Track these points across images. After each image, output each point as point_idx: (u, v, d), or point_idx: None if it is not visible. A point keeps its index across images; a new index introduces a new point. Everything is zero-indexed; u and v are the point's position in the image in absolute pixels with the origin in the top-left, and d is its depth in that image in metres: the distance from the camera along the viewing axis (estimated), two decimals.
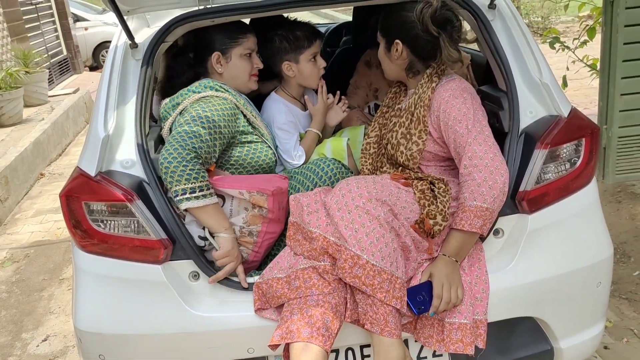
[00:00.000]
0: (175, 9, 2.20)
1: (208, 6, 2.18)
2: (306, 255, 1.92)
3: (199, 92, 2.14)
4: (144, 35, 2.25)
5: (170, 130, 2.14)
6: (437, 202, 1.99)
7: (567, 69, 4.97)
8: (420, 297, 1.88)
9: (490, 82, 2.37)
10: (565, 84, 4.86)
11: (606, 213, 3.98)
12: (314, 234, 1.90)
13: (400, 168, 2.22)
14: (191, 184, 1.89)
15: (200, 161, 1.94)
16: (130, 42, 2.17)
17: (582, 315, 2.12)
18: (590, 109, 6.52)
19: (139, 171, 2.01)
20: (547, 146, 2.00)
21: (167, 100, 2.20)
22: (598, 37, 4.60)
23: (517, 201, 2.03)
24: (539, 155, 2.01)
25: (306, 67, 2.50)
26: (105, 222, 1.94)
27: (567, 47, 4.77)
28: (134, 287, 1.97)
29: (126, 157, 2.03)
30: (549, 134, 2.03)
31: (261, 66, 2.40)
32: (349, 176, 2.20)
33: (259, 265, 2.15)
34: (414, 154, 2.13)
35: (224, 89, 2.20)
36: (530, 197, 2.01)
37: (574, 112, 2.12)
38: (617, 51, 3.46)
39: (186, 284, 1.98)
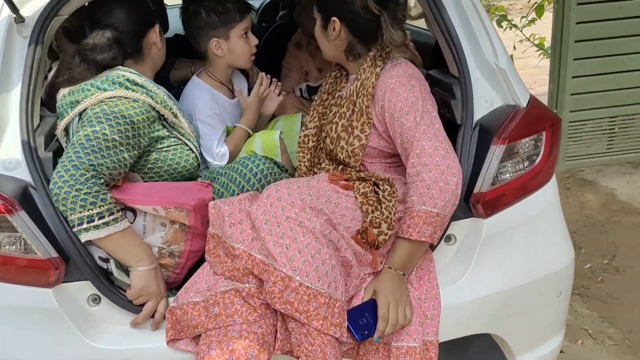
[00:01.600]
0: None
1: None
2: (227, 275, 1.62)
3: (105, 90, 1.77)
4: (34, 7, 1.85)
5: (67, 132, 1.79)
6: (381, 208, 1.72)
7: (514, 48, 4.79)
8: (363, 320, 1.62)
9: (440, 65, 2.10)
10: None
11: None
12: (237, 251, 1.60)
13: (341, 166, 1.94)
14: (88, 211, 1.56)
15: (102, 181, 1.60)
16: (14, 15, 1.78)
17: (541, 328, 1.91)
18: (536, 89, 6.42)
19: (24, 174, 1.66)
20: (504, 141, 1.76)
21: (65, 91, 1.81)
22: (546, 15, 4.46)
23: (471, 204, 1.78)
24: (495, 151, 1.76)
25: (237, 45, 2.18)
26: None
27: (515, 26, 4.60)
28: (21, 316, 1.64)
29: (8, 157, 1.67)
30: (506, 127, 1.78)
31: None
32: (282, 177, 1.90)
33: (180, 283, 1.83)
34: (356, 150, 1.85)
35: (138, 84, 1.84)
36: (486, 199, 1.77)
37: (533, 102, 1.89)
38: (570, 31, 3.28)
39: (84, 310, 1.66)
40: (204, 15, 2.14)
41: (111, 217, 1.59)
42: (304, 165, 2.02)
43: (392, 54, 1.93)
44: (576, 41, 3.30)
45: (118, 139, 1.66)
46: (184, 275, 1.79)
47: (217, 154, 2.10)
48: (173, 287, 1.78)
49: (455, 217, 1.77)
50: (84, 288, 1.65)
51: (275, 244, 1.55)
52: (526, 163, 1.83)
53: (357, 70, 1.93)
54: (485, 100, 1.87)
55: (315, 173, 2.01)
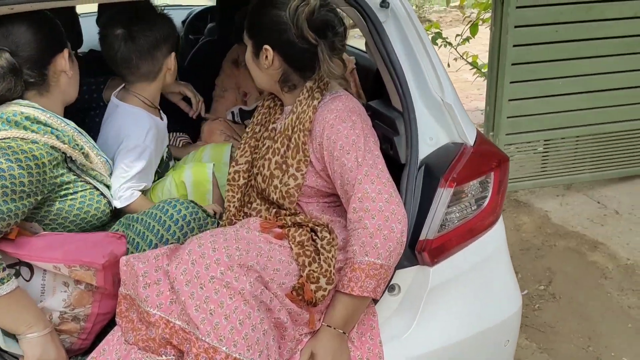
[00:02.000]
0: None
1: None
2: (141, 345, 1.39)
3: None
4: None
5: None
6: (319, 260, 1.55)
7: (449, 65, 4.76)
8: None
9: (382, 95, 1.95)
10: None
11: None
12: (153, 317, 1.38)
13: (273, 206, 1.75)
14: None
15: None
16: None
17: None
18: (467, 104, 6.46)
19: None
20: (452, 184, 1.62)
21: None
22: (480, 33, 4.45)
23: (417, 251, 1.64)
24: (443, 195, 1.62)
25: (173, 59, 1.99)
26: None
27: (449, 44, 4.55)
28: None
29: None
30: (453, 168, 1.65)
31: None
32: (206, 224, 1.68)
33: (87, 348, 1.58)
34: (291, 191, 1.67)
35: (41, 122, 1.56)
36: (432, 246, 1.63)
37: (479, 139, 1.76)
38: (507, 53, 3.23)
39: None
40: (166, 26, 1.94)
41: None
42: (234, 205, 1.81)
43: (331, 84, 1.77)
44: (513, 64, 3.26)
45: (9, 185, 1.39)
46: (92, 341, 1.55)
47: (119, 195, 1.81)
48: (78, 353, 1.53)
49: (399, 265, 1.62)
50: None
51: (197, 309, 1.34)
52: (474, 206, 1.70)
53: (293, 101, 1.75)
54: (430, 137, 1.74)
55: (246, 214, 1.81)
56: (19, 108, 1.55)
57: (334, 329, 1.52)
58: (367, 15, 1.78)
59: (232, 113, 2.50)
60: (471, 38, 4.43)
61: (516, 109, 3.36)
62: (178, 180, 1.96)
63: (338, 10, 1.70)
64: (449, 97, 1.76)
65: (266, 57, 1.68)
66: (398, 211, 1.52)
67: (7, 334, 1.41)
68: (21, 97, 1.60)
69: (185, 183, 1.95)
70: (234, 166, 1.84)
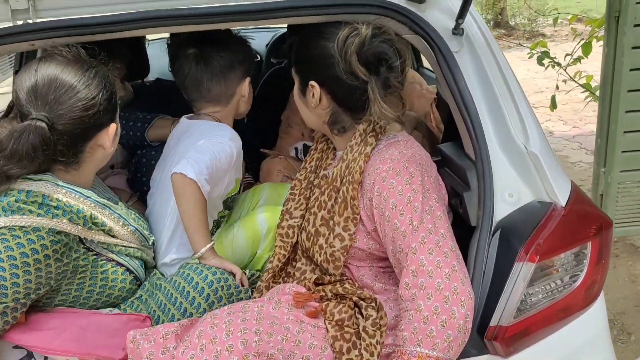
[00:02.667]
0: None
1: (30, 22, 1.43)
2: None
3: None
4: None
5: None
6: (361, 347, 1.27)
7: (557, 87, 4.28)
8: None
9: (455, 137, 1.64)
10: (554, 105, 4.18)
11: None
12: None
13: (319, 268, 1.49)
14: None
15: None
16: None
17: None
18: (581, 128, 5.86)
19: None
20: (534, 257, 1.29)
21: None
22: (594, 52, 3.94)
23: (486, 340, 1.31)
24: (522, 270, 1.29)
25: (248, 88, 1.86)
26: None
27: (558, 64, 4.08)
28: None
29: None
30: (537, 236, 1.31)
31: None
32: (238, 293, 1.45)
33: None
34: (337, 254, 1.41)
35: (51, 206, 1.32)
36: (507, 335, 1.30)
37: (574, 197, 1.41)
38: (622, 79, 2.75)
39: None
40: (241, 49, 1.81)
41: None
42: (277, 265, 1.56)
43: (391, 126, 1.50)
44: (629, 91, 2.78)
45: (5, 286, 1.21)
46: None
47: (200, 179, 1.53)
48: None
49: (465, 353, 1.31)
50: None
51: None
52: (565, 284, 1.35)
53: (345, 145, 1.49)
54: (510, 194, 1.41)
55: (288, 274, 1.57)
56: (27, 186, 1.32)
57: None
58: (436, 45, 1.49)
59: (296, 149, 2.27)
60: (583, 58, 3.93)
61: (633, 143, 2.86)
62: (229, 239, 1.75)
63: (396, 39, 1.43)
64: (534, 145, 1.42)
65: (313, 94, 1.45)
66: (462, 290, 1.22)
67: None
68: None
69: (235, 242, 1.75)
70: (287, 220, 1.60)
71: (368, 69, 1.35)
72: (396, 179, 1.33)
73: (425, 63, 2.85)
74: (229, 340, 1.16)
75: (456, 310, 1.21)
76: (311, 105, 1.49)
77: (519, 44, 6.63)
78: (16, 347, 1.27)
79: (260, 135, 2.44)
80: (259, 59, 1.79)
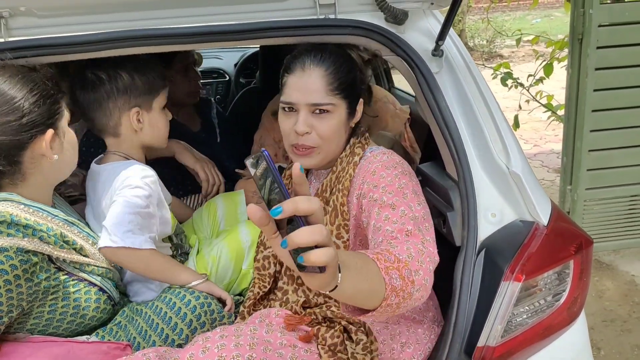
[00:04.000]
0: None
1: (2, 39, 1.39)
2: None
3: None
4: None
5: None
6: None
7: (520, 107, 4.40)
8: None
9: (435, 157, 1.65)
10: (517, 124, 4.28)
11: None
12: None
13: (304, 289, 1.47)
14: None
15: None
16: None
17: None
18: (542, 147, 6.01)
19: None
20: (520, 277, 1.29)
21: None
22: (555, 72, 4.06)
23: None
24: (508, 289, 1.29)
25: (159, 118, 1.68)
26: None
27: (521, 85, 4.18)
28: None
29: None
30: (521, 255, 1.32)
31: None
32: (221, 321, 1.41)
33: None
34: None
35: (19, 225, 1.28)
36: (494, 355, 1.29)
37: (555, 216, 1.43)
38: (586, 99, 2.85)
39: None
40: (125, 78, 1.61)
41: None
42: (260, 288, 1.53)
43: (371, 142, 1.51)
44: (593, 110, 2.87)
45: None
46: None
47: (117, 238, 1.45)
48: None
49: None
50: None
51: None
52: (548, 303, 1.36)
53: (338, 161, 1.49)
54: (492, 214, 1.42)
55: (271, 299, 1.54)
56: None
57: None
58: (416, 65, 1.50)
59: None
60: (545, 78, 4.05)
61: (598, 161, 2.95)
62: (212, 257, 1.71)
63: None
64: (516, 165, 1.44)
65: (359, 109, 1.51)
66: (433, 250, 1.21)
67: None
68: None
69: (220, 258, 1.71)
70: (262, 251, 1.57)
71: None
72: (386, 172, 1.34)
73: (398, 83, 2.87)
74: None
75: (431, 266, 1.16)
76: (354, 121, 1.50)
77: (483, 64, 6.79)
78: None
79: (233, 156, 2.41)
80: (166, 86, 1.65)
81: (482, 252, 1.37)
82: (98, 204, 1.59)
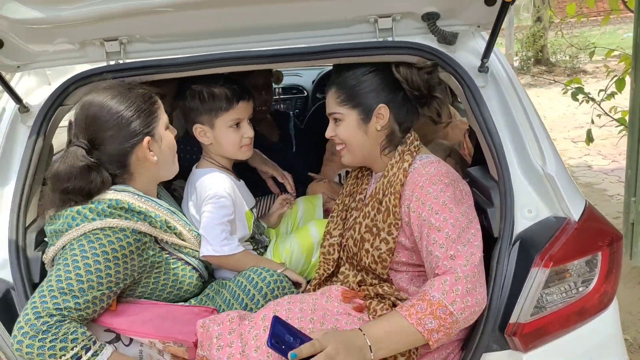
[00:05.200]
0: (78, 64, 1.75)
1: (120, 61, 1.73)
2: None
3: (91, 221, 1.52)
4: (42, 95, 1.78)
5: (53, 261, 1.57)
6: None
7: (592, 122, 4.42)
8: (289, 338, 1.33)
9: (482, 162, 1.85)
10: (590, 139, 4.32)
11: (633, 299, 3.41)
12: None
13: (361, 273, 1.71)
14: (60, 358, 1.37)
15: (68, 321, 1.41)
16: (17, 104, 1.72)
17: None
18: (620, 162, 5.92)
19: (8, 274, 1.55)
20: (548, 264, 1.48)
21: (50, 213, 1.58)
22: (628, 88, 4.08)
23: (507, 335, 1.50)
24: (537, 275, 1.48)
25: (224, 134, 1.91)
26: None
27: (592, 99, 4.23)
28: None
29: None
30: (552, 245, 1.50)
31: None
32: (291, 293, 1.68)
33: None
34: (383, 255, 1.63)
35: (134, 211, 1.58)
36: (525, 331, 1.48)
37: (587, 213, 1.60)
38: None
39: None
40: (188, 99, 1.91)
41: (89, 354, 1.40)
42: (324, 270, 1.79)
43: (422, 150, 1.72)
44: None
45: (95, 278, 1.45)
46: None
47: (220, 248, 1.78)
48: None
49: (488, 348, 1.50)
50: None
51: None
52: (579, 287, 1.53)
53: (384, 167, 1.72)
54: (529, 210, 1.61)
55: (334, 281, 1.79)
56: (115, 195, 1.57)
57: (364, 334, 1.38)
58: (464, 81, 1.72)
59: (339, 175, 2.52)
60: (617, 93, 4.08)
61: None
62: (286, 250, 1.99)
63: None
64: (551, 167, 1.62)
65: (382, 116, 1.70)
66: (483, 276, 1.46)
67: None
68: (114, 183, 1.62)
69: (292, 252, 1.98)
70: (328, 239, 1.84)
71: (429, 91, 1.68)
72: (432, 187, 1.55)
73: None
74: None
75: (478, 287, 1.42)
76: (375, 128, 1.71)
77: (554, 80, 6.78)
78: (107, 330, 1.52)
79: (307, 163, 2.69)
80: (231, 108, 1.90)
81: (517, 243, 1.56)
82: (194, 203, 1.90)
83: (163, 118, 1.71)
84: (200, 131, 1.91)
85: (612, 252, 1.55)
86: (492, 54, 1.79)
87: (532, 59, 11.64)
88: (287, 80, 4.17)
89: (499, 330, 1.50)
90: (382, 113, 1.70)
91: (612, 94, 4.13)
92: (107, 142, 1.59)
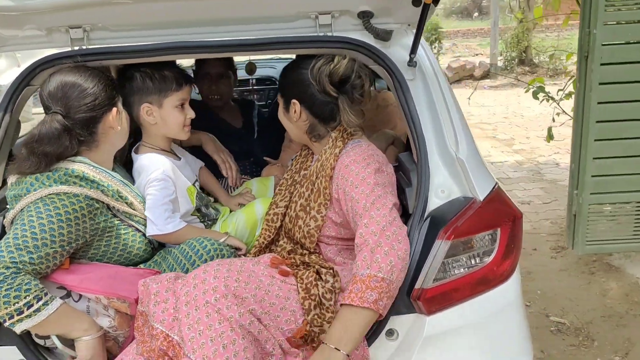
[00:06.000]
0: (45, 48, 1.93)
1: (83, 47, 1.91)
2: (145, 355, 1.60)
3: (47, 187, 1.71)
4: (12, 76, 1.96)
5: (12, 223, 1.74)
6: (322, 308, 1.67)
7: (553, 120, 4.64)
8: None
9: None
10: (550, 136, 4.54)
11: (574, 286, 3.63)
12: (155, 330, 1.59)
13: (296, 245, 1.90)
14: (14, 305, 1.54)
15: (23, 274, 1.58)
16: None
17: None
18: None
19: None
20: (450, 237, 1.68)
21: (13, 180, 1.77)
22: None
23: (412, 299, 1.70)
24: (440, 247, 1.68)
25: (170, 114, 2.06)
26: None
27: (552, 98, 4.45)
28: None
29: None
30: (455, 221, 1.70)
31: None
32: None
33: None
34: (312, 231, 1.82)
35: (88, 179, 1.77)
36: (427, 296, 1.68)
37: (494, 195, 1.79)
38: (590, 111, 3.13)
39: None
40: (139, 80, 2.03)
41: (40, 303, 1.58)
42: (264, 243, 1.98)
43: (358, 137, 1.91)
44: (597, 122, 3.14)
45: (48, 237, 1.63)
46: None
47: (164, 226, 1.95)
48: None
49: (397, 311, 1.70)
50: (13, 352, 1.68)
51: (189, 328, 1.53)
52: (480, 259, 1.74)
53: (320, 150, 1.92)
54: (442, 190, 1.80)
55: (271, 250, 1.98)
56: (72, 165, 1.77)
57: (329, 345, 1.55)
58: (394, 74, 1.91)
59: (292, 160, 2.70)
60: (574, 93, 4.29)
61: (601, 168, 3.21)
62: (232, 223, 2.18)
63: (357, 64, 1.85)
64: (462, 152, 1.82)
65: (295, 110, 1.88)
66: (399, 232, 1.61)
67: (62, 340, 1.67)
68: (76, 154, 1.81)
69: (237, 226, 2.17)
70: (273, 208, 2.02)
71: (337, 87, 1.79)
72: (355, 166, 1.74)
73: None
74: (215, 282, 1.58)
75: (396, 245, 1.58)
76: (293, 119, 1.92)
77: (517, 78, 7.04)
78: (60, 287, 1.71)
79: (266, 149, 2.89)
80: (180, 90, 2.06)
81: (428, 220, 1.76)
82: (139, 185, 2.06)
83: (119, 96, 1.92)
84: (147, 110, 2.04)
85: (511, 229, 1.75)
86: (421, 50, 1.98)
87: (516, 60, 11.85)
88: (261, 72, 4.35)
89: (406, 295, 1.70)
90: (295, 108, 1.89)
91: (570, 94, 4.34)
92: (81, 110, 1.79)
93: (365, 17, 1.91)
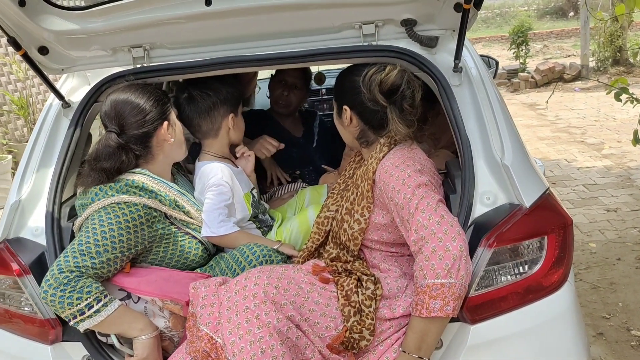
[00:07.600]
0: (110, 67, 2.08)
1: (145, 65, 2.05)
2: (192, 355, 1.68)
3: (110, 197, 1.85)
4: (82, 93, 2.13)
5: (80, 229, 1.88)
6: (362, 314, 1.70)
7: (639, 122, 4.37)
8: None
9: None
10: (637, 140, 4.28)
11: None
12: (201, 332, 1.67)
13: (342, 251, 1.93)
14: (76, 306, 1.67)
15: (85, 277, 1.71)
16: (60, 101, 2.07)
17: None
18: None
19: (44, 240, 1.89)
20: (492, 244, 1.65)
21: (80, 191, 1.93)
22: None
23: None
24: (482, 254, 1.66)
25: (242, 121, 2.29)
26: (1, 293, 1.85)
27: (636, 99, 4.19)
28: None
29: (37, 224, 1.93)
30: (497, 229, 1.67)
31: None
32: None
33: None
34: (355, 234, 1.85)
35: (147, 190, 1.90)
36: (470, 304, 1.66)
37: (542, 201, 1.74)
38: None
39: None
40: (224, 91, 2.18)
41: (100, 304, 1.70)
42: (313, 246, 2.02)
43: (407, 144, 1.91)
44: None
45: (109, 243, 1.75)
46: None
47: (216, 230, 2.05)
48: None
49: None
50: (80, 348, 1.81)
51: (230, 332, 1.59)
52: (527, 268, 1.69)
53: (369, 156, 1.94)
54: (487, 197, 1.77)
55: (320, 254, 2.02)
56: (132, 176, 1.90)
57: (408, 354, 1.61)
58: (438, 80, 1.91)
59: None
60: None
61: None
62: (287, 229, 2.26)
63: (408, 74, 1.85)
64: (508, 159, 1.78)
65: (346, 116, 1.93)
66: (451, 230, 1.58)
67: (120, 339, 1.80)
68: (136, 166, 1.95)
69: (291, 232, 2.24)
70: (324, 212, 2.06)
71: (387, 97, 1.81)
72: (395, 169, 1.74)
73: None
74: (255, 289, 1.63)
75: (449, 245, 1.55)
76: (345, 124, 1.95)
77: (597, 80, 6.71)
78: (120, 289, 1.83)
79: (324, 157, 2.94)
80: (245, 96, 2.28)
81: (472, 226, 1.73)
82: (199, 191, 2.19)
83: (173, 109, 2.04)
84: (232, 119, 2.21)
85: (561, 237, 1.69)
86: (468, 56, 1.97)
87: (610, 60, 11.22)
88: (330, 82, 4.42)
89: None
90: (346, 114, 1.93)
91: None
92: (134, 127, 1.92)
93: (408, 25, 1.93)
